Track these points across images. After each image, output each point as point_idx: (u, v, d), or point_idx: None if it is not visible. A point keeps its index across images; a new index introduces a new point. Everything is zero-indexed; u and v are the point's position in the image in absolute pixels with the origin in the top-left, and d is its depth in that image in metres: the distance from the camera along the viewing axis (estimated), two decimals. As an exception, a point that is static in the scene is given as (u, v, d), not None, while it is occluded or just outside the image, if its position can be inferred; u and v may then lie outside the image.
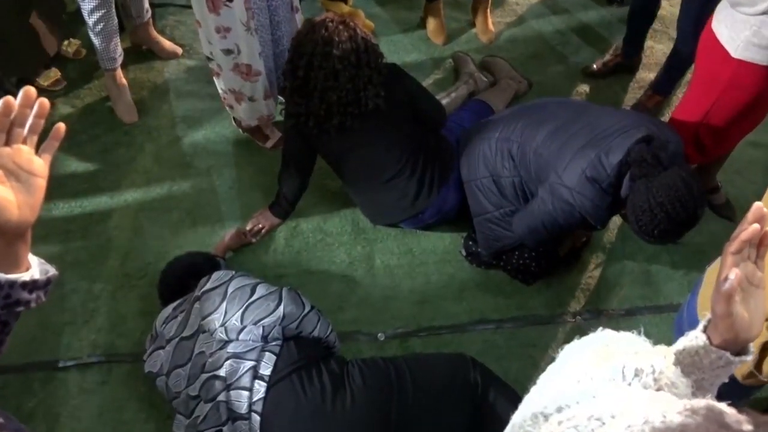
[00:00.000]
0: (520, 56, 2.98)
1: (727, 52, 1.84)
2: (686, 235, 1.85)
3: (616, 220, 2.46)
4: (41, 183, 0.83)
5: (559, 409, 0.69)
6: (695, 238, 2.14)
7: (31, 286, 0.86)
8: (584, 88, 2.90)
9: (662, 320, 2.24)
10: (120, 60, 2.65)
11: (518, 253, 2.24)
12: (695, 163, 2.34)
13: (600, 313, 2.28)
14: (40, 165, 0.84)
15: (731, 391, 1.43)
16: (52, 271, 0.91)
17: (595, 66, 2.93)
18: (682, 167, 1.80)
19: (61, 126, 0.86)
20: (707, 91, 1.99)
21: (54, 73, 2.83)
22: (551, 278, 2.33)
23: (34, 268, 0.87)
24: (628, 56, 2.90)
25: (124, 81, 2.73)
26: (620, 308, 2.29)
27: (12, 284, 0.83)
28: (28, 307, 0.87)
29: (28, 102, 0.82)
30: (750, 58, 1.80)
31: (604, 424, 0.63)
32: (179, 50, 2.95)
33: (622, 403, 0.65)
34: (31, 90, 0.82)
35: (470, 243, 2.36)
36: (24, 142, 0.82)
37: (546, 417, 0.69)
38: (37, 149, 0.85)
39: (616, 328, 0.88)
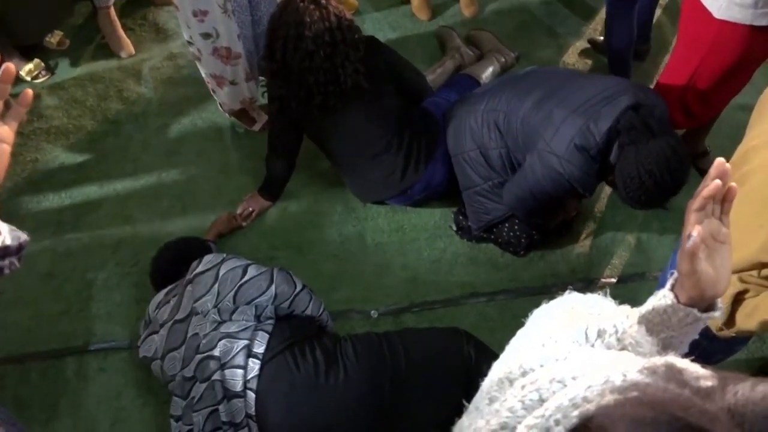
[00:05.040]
0: (507, 29, 2.95)
1: (709, 14, 1.82)
2: (675, 201, 1.85)
3: (606, 189, 2.45)
4: (6, 148, 0.84)
5: (524, 373, 0.69)
6: (684, 203, 2.12)
7: (3, 252, 0.87)
8: (572, 59, 2.87)
9: (655, 287, 2.24)
10: None
11: (508, 225, 2.23)
12: (683, 128, 2.33)
13: (592, 283, 2.29)
14: (4, 131, 0.84)
15: (716, 349, 1.44)
16: (24, 237, 0.92)
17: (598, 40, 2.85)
18: (671, 135, 1.80)
19: (29, 92, 0.85)
20: (691, 53, 1.97)
21: (38, 64, 2.81)
22: (542, 249, 2.33)
23: (5, 234, 0.88)
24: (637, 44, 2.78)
25: (116, 18, 2.84)
26: (612, 277, 2.30)
27: None
28: (2, 273, 0.88)
29: None
30: (732, 17, 1.78)
31: (565, 386, 0.63)
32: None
33: (584, 364, 0.65)
34: None
35: (460, 217, 2.36)
36: None
37: (511, 382, 0.70)
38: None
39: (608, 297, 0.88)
